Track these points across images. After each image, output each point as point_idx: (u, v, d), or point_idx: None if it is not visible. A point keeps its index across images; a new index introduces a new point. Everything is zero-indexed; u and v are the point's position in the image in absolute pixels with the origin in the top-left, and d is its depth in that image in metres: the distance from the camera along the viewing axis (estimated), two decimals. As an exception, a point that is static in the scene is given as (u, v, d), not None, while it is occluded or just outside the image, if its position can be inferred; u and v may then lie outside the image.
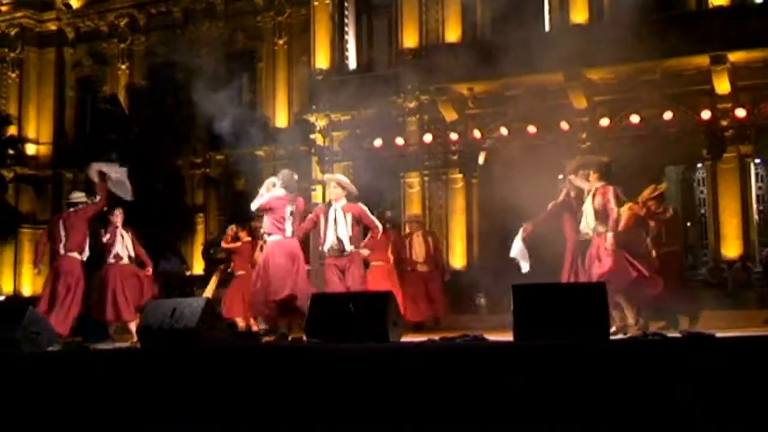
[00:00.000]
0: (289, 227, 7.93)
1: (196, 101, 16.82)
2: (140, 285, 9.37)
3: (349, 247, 8.11)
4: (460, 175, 17.35)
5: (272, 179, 8.23)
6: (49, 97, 23.81)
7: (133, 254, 9.48)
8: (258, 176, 16.84)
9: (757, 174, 15.88)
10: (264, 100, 21.24)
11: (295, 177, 8.16)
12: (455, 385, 4.57)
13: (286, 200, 8.01)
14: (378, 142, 16.60)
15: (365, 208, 8.41)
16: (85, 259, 8.97)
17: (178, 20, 22.35)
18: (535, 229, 8.34)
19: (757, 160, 15.82)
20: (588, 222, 7.86)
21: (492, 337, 6.44)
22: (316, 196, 17.51)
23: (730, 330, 7.11)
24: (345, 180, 8.58)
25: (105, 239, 9.37)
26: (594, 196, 7.92)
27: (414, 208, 17.02)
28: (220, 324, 7.07)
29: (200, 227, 21.53)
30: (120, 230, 9.43)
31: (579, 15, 16.51)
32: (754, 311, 11.62)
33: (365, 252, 8.79)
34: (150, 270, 9.58)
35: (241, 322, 10.51)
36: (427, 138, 16.66)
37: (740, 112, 14.93)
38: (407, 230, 12.66)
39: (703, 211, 16.30)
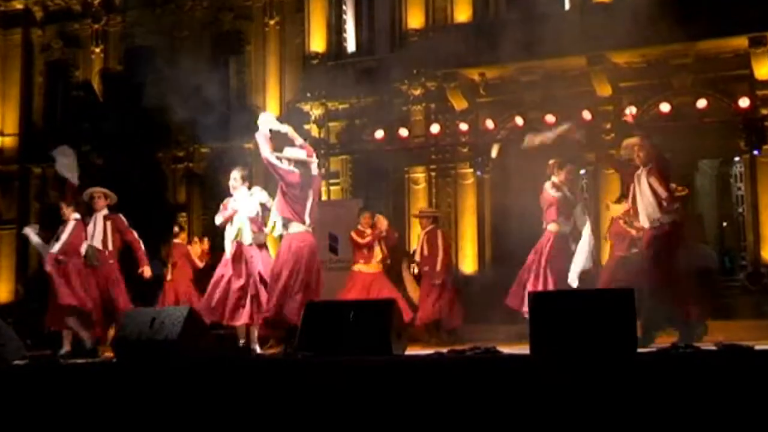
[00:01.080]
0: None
1: (178, 88, 16.76)
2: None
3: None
4: (471, 170, 17.30)
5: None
6: (15, 84, 23.77)
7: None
8: (248, 171, 16.78)
9: (801, 168, 15.85)
10: (253, 87, 21.18)
11: None
12: (465, 404, 4.55)
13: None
14: (379, 134, 16.55)
15: None
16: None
17: (158, -2, 22.35)
18: None
19: (801, 153, 15.79)
20: (651, 211, 7.56)
21: (506, 349, 6.43)
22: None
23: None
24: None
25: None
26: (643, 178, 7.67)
27: (419, 205, 17.00)
28: (205, 335, 7.05)
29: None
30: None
31: (603, -9, 16.50)
32: (798, 321, 11.57)
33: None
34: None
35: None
36: (434, 129, 16.62)
37: (782, 100, 14.90)
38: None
39: (740, 209, 16.25)
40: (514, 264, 9.62)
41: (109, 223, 9.44)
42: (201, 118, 17.12)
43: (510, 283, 9.30)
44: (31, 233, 9.77)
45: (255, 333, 8.40)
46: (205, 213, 21.05)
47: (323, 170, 16.56)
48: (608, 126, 15.65)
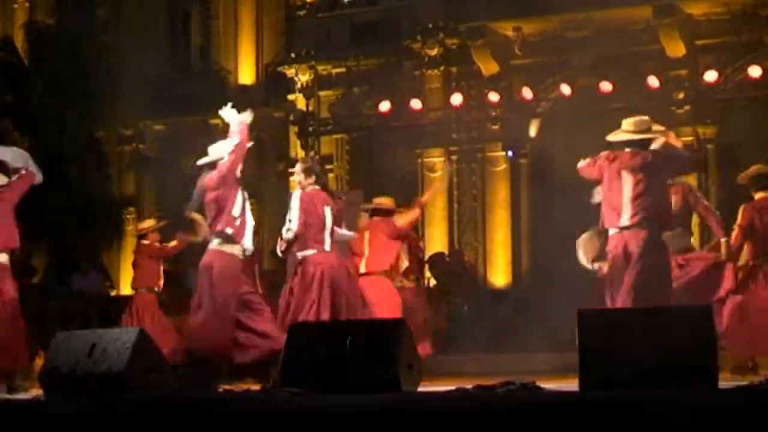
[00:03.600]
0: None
1: (124, 48, 16.80)
2: None
3: None
4: (503, 153, 17.30)
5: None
6: None
7: None
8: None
9: None
10: (221, 45, 21.22)
11: None
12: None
13: None
14: (385, 106, 16.51)
15: None
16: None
17: (100, -69, 22.33)
18: None
19: None
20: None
21: (549, 385, 6.43)
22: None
23: None
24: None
25: None
26: None
27: (436, 198, 16.96)
28: (160, 366, 7.04)
29: (130, 227, 21.48)
30: None
31: None
32: None
33: None
34: None
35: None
36: (456, 100, 16.58)
37: None
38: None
39: None
40: (559, 275, 9.59)
41: None
42: (154, 87, 17.13)
43: (553, 298, 9.27)
44: None
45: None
46: (161, 208, 21.08)
47: (314, 153, 16.56)
48: (681, 96, 15.63)
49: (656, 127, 8.27)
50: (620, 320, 6.08)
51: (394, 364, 6.32)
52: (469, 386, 6.56)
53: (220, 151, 8.79)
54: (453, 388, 6.66)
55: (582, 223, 9.02)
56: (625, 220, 7.86)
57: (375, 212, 11.15)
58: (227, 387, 8.13)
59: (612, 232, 8.01)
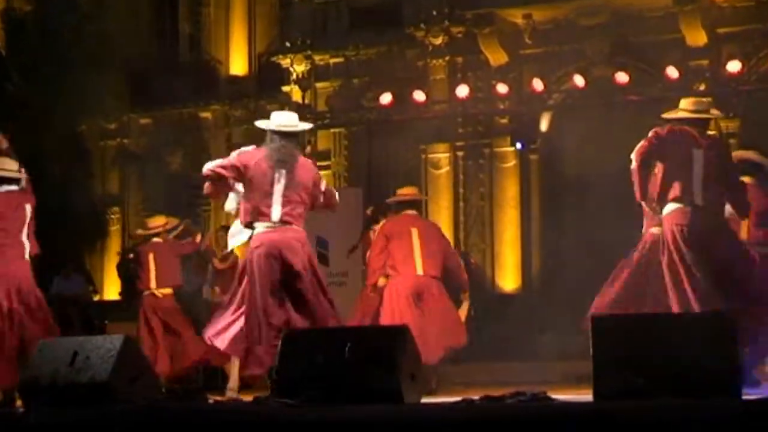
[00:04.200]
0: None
1: (108, 37, 16.79)
2: None
3: None
4: (512, 149, 17.29)
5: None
6: None
7: None
8: (204, 149, 16.81)
9: None
10: (212, 33, 21.22)
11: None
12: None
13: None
14: (386, 99, 16.54)
15: None
16: None
17: None
18: None
19: None
20: None
21: (561, 396, 6.41)
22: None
23: None
24: None
25: None
26: None
27: (441, 196, 16.96)
28: (146, 375, 7.05)
29: (115, 227, 21.52)
30: None
31: None
32: None
33: None
34: None
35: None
36: (462, 91, 16.60)
37: None
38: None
39: None
40: (573, 279, 9.60)
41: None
42: (140, 77, 17.11)
43: (565, 303, 9.27)
44: None
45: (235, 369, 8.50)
46: (146, 207, 21.08)
47: (308, 149, 16.55)
48: (702, 87, 15.62)
49: (714, 111, 8.39)
50: (637, 327, 6.06)
51: (395, 373, 6.32)
52: (476, 397, 6.56)
53: None
54: (459, 399, 6.65)
55: (596, 223, 9.02)
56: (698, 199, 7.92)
57: (405, 205, 10.93)
58: (217, 398, 8.14)
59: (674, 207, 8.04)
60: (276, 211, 8.02)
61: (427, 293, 10.61)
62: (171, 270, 12.49)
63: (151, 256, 12.46)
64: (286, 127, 8.20)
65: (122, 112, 21.21)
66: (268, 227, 8.04)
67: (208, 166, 8.13)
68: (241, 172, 8.04)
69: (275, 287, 8.04)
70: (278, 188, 8.00)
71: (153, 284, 12.39)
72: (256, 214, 8.09)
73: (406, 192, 11.25)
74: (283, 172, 8.03)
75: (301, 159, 8.26)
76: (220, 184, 8.19)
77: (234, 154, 8.15)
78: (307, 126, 8.72)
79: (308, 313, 8.06)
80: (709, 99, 8.31)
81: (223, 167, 8.07)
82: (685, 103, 8.23)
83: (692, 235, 7.84)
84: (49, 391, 6.70)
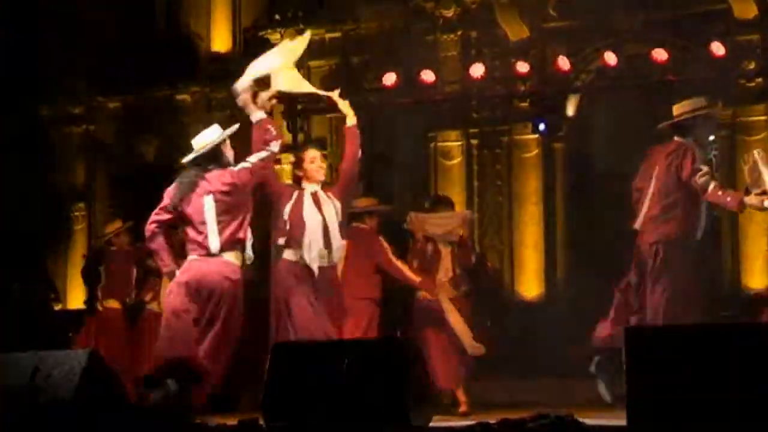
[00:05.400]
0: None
1: (74, 9, 16.81)
2: None
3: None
4: (534, 136, 17.29)
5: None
6: None
7: None
8: (182, 135, 16.78)
9: None
10: (191, 5, 21.26)
11: None
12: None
13: None
14: (390, 79, 16.51)
15: None
16: None
17: None
18: None
19: None
20: None
21: (589, 419, 6.40)
22: (283, 171, 17.51)
23: None
24: None
25: None
26: None
27: (452, 191, 16.96)
28: (114, 391, 7.08)
29: (80, 226, 21.56)
30: None
31: None
32: None
33: None
34: None
35: None
36: (477, 71, 16.55)
37: None
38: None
39: None
40: (602, 284, 9.60)
41: None
42: (109, 55, 17.13)
43: (594, 313, 9.30)
44: None
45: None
46: (115, 203, 21.14)
47: (302, 136, 16.58)
48: (752, 66, 15.60)
49: None
50: (677, 339, 6.06)
51: (400, 394, 6.32)
52: (493, 421, 6.56)
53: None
54: (474, 423, 6.65)
55: (630, 221, 9.01)
56: None
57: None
58: (200, 419, 8.17)
59: None
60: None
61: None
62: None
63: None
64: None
65: (89, 94, 21.24)
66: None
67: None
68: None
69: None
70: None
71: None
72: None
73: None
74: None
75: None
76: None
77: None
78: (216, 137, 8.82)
79: None
80: None
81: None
82: None
83: None
84: (8, 410, 6.71)
